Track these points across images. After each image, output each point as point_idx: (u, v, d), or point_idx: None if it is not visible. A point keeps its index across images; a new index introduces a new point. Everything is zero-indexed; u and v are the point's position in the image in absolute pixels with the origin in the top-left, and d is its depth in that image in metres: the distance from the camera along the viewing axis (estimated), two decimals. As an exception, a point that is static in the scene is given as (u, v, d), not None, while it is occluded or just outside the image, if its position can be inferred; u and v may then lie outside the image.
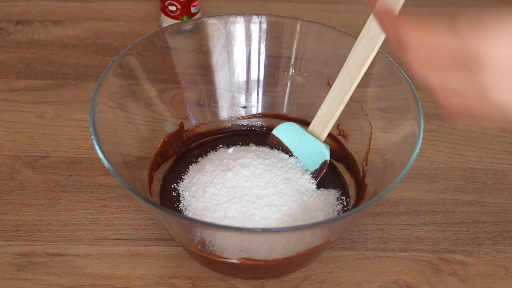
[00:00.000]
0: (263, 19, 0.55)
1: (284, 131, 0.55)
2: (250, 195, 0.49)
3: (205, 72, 0.56)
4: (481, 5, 0.71)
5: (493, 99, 0.37)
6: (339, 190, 0.52)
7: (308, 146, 0.53)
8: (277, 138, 0.55)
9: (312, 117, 0.53)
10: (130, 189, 0.44)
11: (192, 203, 0.50)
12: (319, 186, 0.52)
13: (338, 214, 0.51)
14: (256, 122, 0.58)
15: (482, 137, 0.59)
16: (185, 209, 0.50)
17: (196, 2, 0.66)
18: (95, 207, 0.53)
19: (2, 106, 0.61)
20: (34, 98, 0.62)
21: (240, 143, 0.55)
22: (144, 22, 0.70)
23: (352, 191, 0.53)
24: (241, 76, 0.57)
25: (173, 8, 0.66)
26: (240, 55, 0.56)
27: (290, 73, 0.57)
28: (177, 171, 0.54)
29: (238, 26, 0.55)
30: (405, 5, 0.48)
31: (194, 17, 0.67)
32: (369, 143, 0.53)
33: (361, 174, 0.53)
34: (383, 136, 0.53)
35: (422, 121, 0.48)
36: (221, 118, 0.57)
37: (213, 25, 0.55)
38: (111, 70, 0.50)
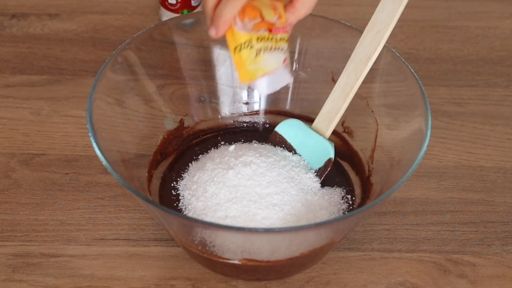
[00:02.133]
0: (266, 12, 0.54)
1: (287, 128, 0.54)
2: (252, 194, 0.48)
3: (205, 67, 0.56)
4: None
5: None
6: (344, 189, 0.52)
7: (312, 143, 0.52)
8: (280, 135, 0.54)
9: (316, 113, 0.53)
10: (129, 187, 0.43)
11: (192, 202, 0.49)
12: (323, 184, 0.51)
13: (343, 213, 0.50)
14: (259, 119, 0.57)
15: (492, 135, 0.59)
16: (185, 208, 0.49)
17: (196, -5, 0.65)
18: (92, 206, 0.52)
19: (-3, 102, 0.60)
20: (29, 94, 0.61)
21: (242, 141, 0.55)
22: (143, 15, 0.69)
23: (357, 190, 0.52)
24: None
25: (173, 1, 0.65)
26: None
27: (294, 69, 0.56)
28: (177, 169, 0.53)
29: (240, 19, 0.54)
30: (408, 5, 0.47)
31: (195, 11, 0.66)
32: (375, 140, 0.52)
33: (367, 172, 0.52)
34: (389, 133, 0.52)
35: (429, 118, 0.47)
36: (223, 114, 0.57)
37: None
38: (109, 65, 0.49)
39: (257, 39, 0.43)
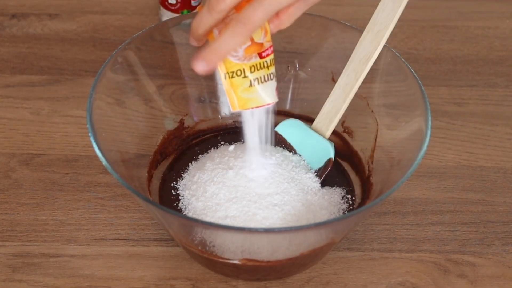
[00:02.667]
0: (266, 12, 0.54)
1: (288, 128, 0.54)
2: (252, 194, 0.48)
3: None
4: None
5: None
6: (344, 189, 0.52)
7: (312, 143, 0.52)
8: (280, 135, 0.54)
9: (316, 113, 0.53)
10: (129, 187, 0.43)
11: (192, 202, 0.49)
12: (323, 184, 0.51)
13: (343, 213, 0.50)
14: (259, 118, 0.57)
15: (492, 135, 0.59)
16: (185, 208, 0.49)
17: (196, -5, 0.65)
18: (92, 206, 0.52)
19: (-3, 102, 0.60)
20: (29, 94, 0.61)
21: (242, 141, 0.55)
22: (143, 15, 0.69)
23: (357, 190, 0.52)
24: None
25: (173, 1, 0.65)
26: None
27: (294, 68, 0.56)
28: (177, 169, 0.53)
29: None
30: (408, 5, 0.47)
31: (195, 11, 0.66)
32: (375, 140, 0.52)
33: (367, 172, 0.52)
34: (389, 133, 0.52)
35: (429, 118, 0.47)
36: (223, 114, 0.56)
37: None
38: (109, 65, 0.49)
39: (250, 68, 0.42)
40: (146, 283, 0.48)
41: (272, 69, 0.44)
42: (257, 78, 0.43)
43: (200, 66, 0.39)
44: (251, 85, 0.43)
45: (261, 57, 0.43)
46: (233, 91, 0.43)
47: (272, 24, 0.43)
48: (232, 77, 0.43)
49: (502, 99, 0.62)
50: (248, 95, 0.43)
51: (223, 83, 0.43)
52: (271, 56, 0.44)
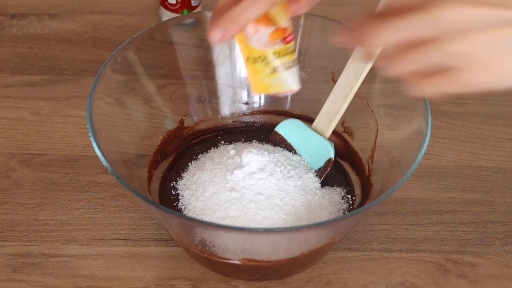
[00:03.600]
0: (266, 12, 0.54)
1: (288, 128, 0.54)
2: (251, 194, 0.48)
3: (205, 67, 0.56)
4: None
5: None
6: (344, 189, 0.52)
7: (312, 143, 0.52)
8: (280, 135, 0.54)
9: (316, 113, 0.53)
10: (129, 187, 0.43)
11: (192, 202, 0.49)
12: (323, 184, 0.51)
13: (344, 213, 0.50)
14: (258, 118, 0.57)
15: (492, 135, 0.59)
16: (185, 208, 0.49)
17: (196, -5, 0.65)
18: (92, 206, 0.52)
19: (-3, 102, 0.60)
20: (29, 94, 0.61)
21: (242, 140, 0.55)
22: (143, 15, 0.69)
23: (357, 190, 0.52)
24: (243, 71, 0.56)
25: (173, 1, 0.65)
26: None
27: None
28: (177, 169, 0.53)
29: (240, 19, 0.54)
30: None
31: (195, 11, 0.66)
32: (375, 140, 0.52)
33: (367, 172, 0.52)
34: (389, 133, 0.52)
35: (429, 118, 0.47)
36: (223, 114, 0.57)
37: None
38: (109, 65, 0.49)
39: (274, 54, 0.41)
40: (146, 283, 0.48)
41: (295, 55, 0.42)
42: (281, 65, 0.42)
43: (217, 34, 0.35)
44: (274, 71, 0.42)
45: (285, 42, 0.41)
46: (255, 76, 0.42)
47: (290, 9, 0.41)
48: (254, 62, 0.41)
49: (502, 99, 0.62)
50: (270, 80, 0.42)
51: (246, 66, 0.42)
52: (293, 42, 0.42)
